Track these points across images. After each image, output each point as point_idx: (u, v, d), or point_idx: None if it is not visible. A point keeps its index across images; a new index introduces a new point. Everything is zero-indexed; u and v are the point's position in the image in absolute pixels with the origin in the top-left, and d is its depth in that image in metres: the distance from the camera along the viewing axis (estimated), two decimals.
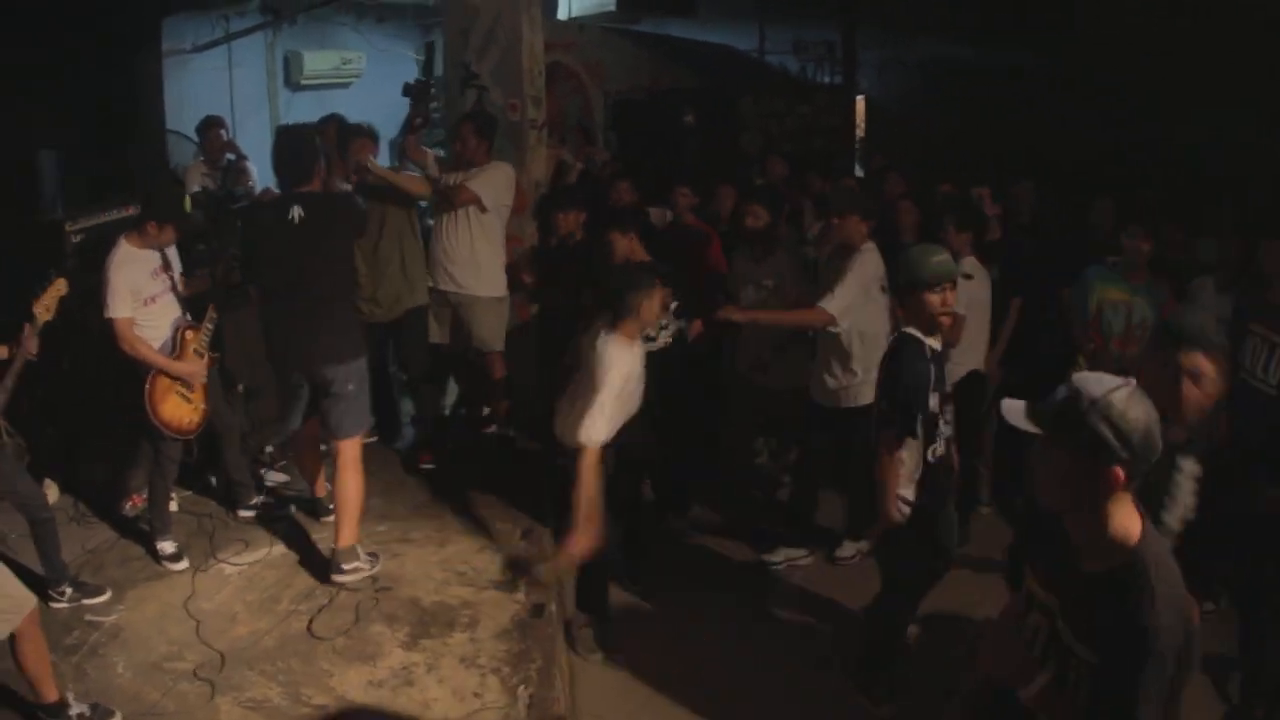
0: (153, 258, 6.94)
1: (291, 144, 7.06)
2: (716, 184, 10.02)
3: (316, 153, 6.99)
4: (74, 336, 7.45)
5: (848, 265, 7.08)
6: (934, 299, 5.54)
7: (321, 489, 7.87)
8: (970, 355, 7.82)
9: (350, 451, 6.98)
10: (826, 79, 18.47)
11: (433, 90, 9.50)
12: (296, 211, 6.62)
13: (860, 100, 17.80)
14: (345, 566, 6.85)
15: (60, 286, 6.31)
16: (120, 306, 6.80)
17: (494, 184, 8.54)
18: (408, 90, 8.70)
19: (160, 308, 7.03)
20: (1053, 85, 14.78)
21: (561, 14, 15.43)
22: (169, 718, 5.61)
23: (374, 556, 7.03)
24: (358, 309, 7.79)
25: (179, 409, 7.06)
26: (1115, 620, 2.97)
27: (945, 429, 5.74)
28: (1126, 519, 3.03)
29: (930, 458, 5.64)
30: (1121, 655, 2.95)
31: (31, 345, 6.12)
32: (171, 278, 7.09)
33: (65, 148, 9.36)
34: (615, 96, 14.94)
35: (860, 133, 17.96)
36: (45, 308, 6.22)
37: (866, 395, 6.61)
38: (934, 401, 5.60)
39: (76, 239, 7.76)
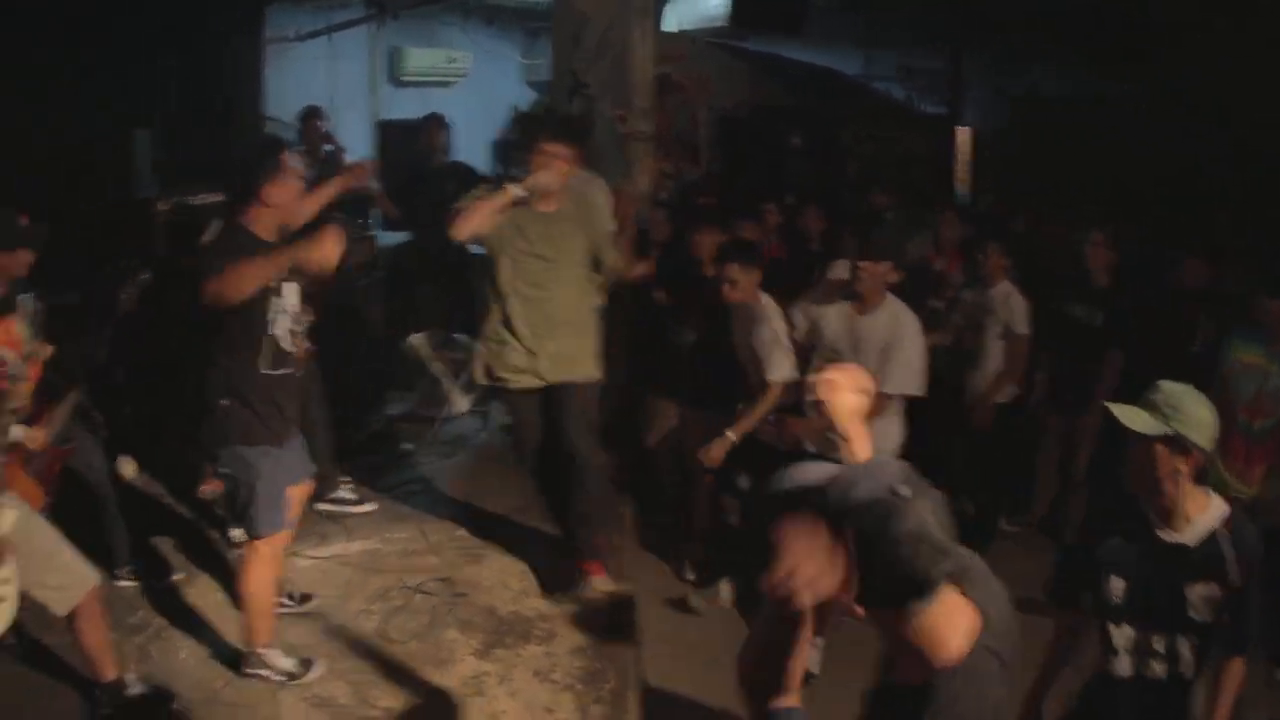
0: None
1: None
2: (805, 203, 9.82)
3: None
4: (158, 317, 7.32)
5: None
6: None
7: None
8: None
9: None
10: (930, 108, 18.20)
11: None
12: None
13: (964, 131, 17.52)
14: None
15: (145, 277, 6.22)
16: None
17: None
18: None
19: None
20: (1160, 114, 14.49)
21: (668, 26, 15.28)
22: (230, 707, 5.52)
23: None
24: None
25: None
26: None
27: None
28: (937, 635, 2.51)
29: None
30: None
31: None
32: None
33: (161, 128, 9.30)
34: (721, 113, 14.78)
35: (964, 164, 17.70)
36: (132, 297, 6.13)
37: None
38: None
39: (167, 219, 7.66)
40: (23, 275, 5.70)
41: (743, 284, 7.01)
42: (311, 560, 7.00)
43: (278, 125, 11.43)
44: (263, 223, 5.42)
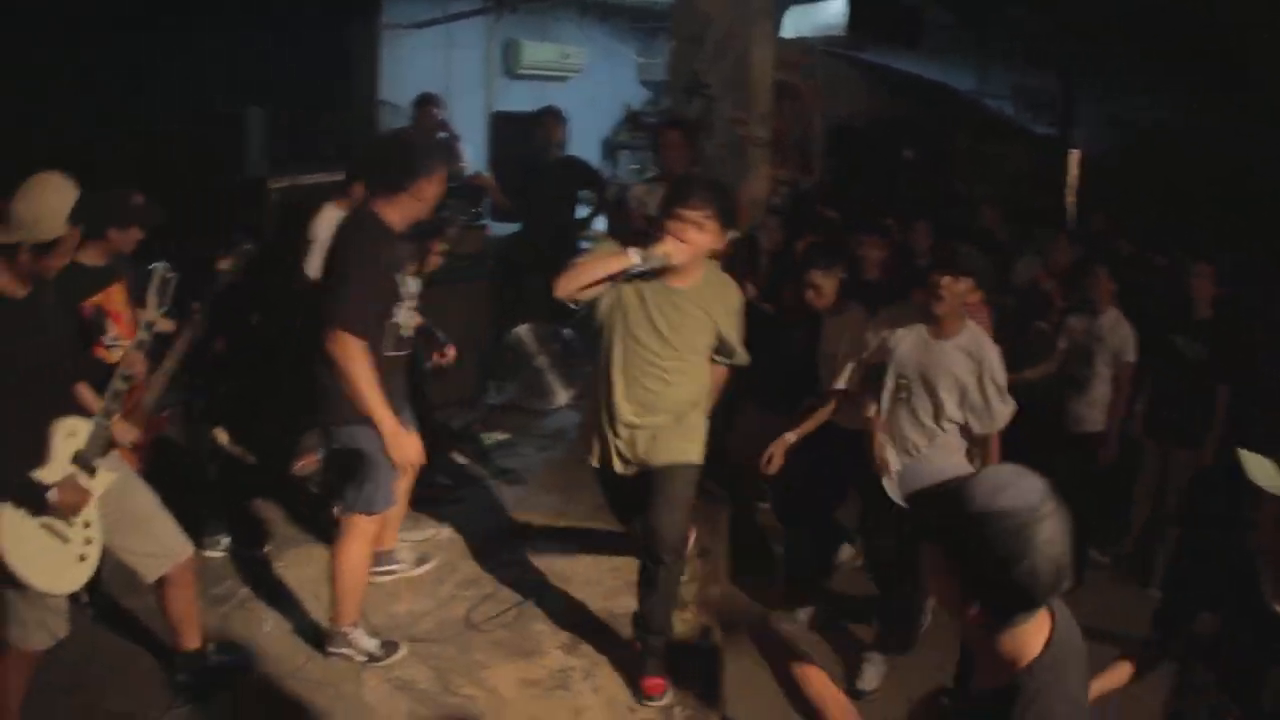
0: None
1: None
2: (914, 218, 9.67)
3: None
4: (262, 293, 7.38)
5: None
6: None
7: None
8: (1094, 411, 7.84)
9: None
10: (1042, 129, 17.98)
11: None
12: None
13: (1075, 154, 17.31)
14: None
15: (249, 248, 6.22)
16: (315, 266, 6.66)
17: None
18: None
19: None
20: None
21: (785, 33, 15.19)
22: (311, 684, 5.50)
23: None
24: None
25: None
26: None
27: None
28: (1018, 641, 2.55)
29: None
30: None
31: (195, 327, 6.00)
32: None
33: (274, 108, 9.32)
34: (835, 122, 14.67)
35: (1072, 187, 17.49)
36: (232, 266, 6.12)
37: None
38: None
39: (278, 197, 7.67)
40: (130, 252, 5.72)
41: (826, 289, 6.84)
42: (403, 543, 6.92)
43: (392, 110, 11.47)
44: (400, 213, 5.41)
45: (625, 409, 5.63)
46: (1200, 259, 8.02)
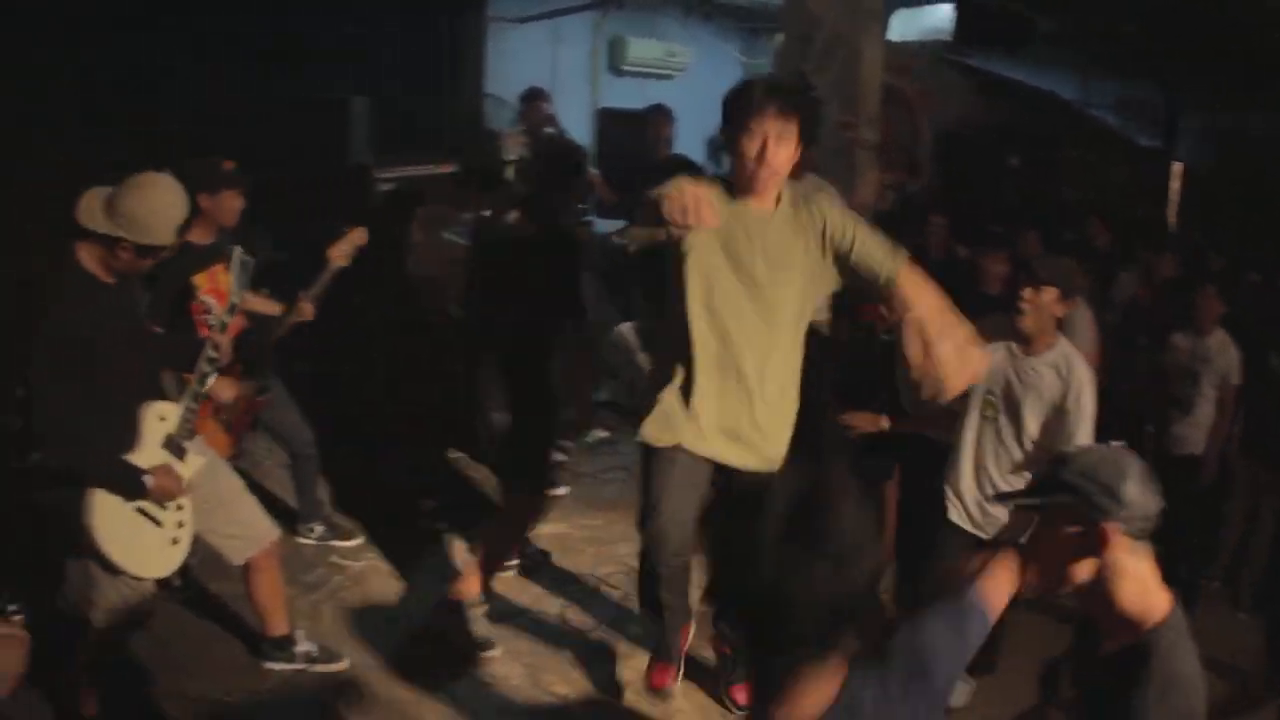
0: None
1: None
2: (1022, 228, 9.51)
3: None
4: (367, 280, 7.29)
5: None
6: None
7: None
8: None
9: None
10: (1146, 141, 17.75)
11: None
12: None
13: (1178, 167, 17.08)
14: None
15: (358, 236, 6.22)
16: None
17: None
18: None
19: None
20: None
21: (892, 36, 15.09)
22: (397, 673, 5.50)
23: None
24: None
25: None
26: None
27: None
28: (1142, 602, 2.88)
29: None
30: None
31: (307, 310, 6.01)
32: None
33: (380, 98, 9.34)
34: (942, 127, 14.53)
35: (1174, 201, 17.27)
36: (342, 254, 6.12)
37: None
38: None
39: (384, 187, 7.67)
40: (231, 223, 5.76)
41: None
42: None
43: (498, 103, 11.47)
44: None
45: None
46: None
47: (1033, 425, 5.69)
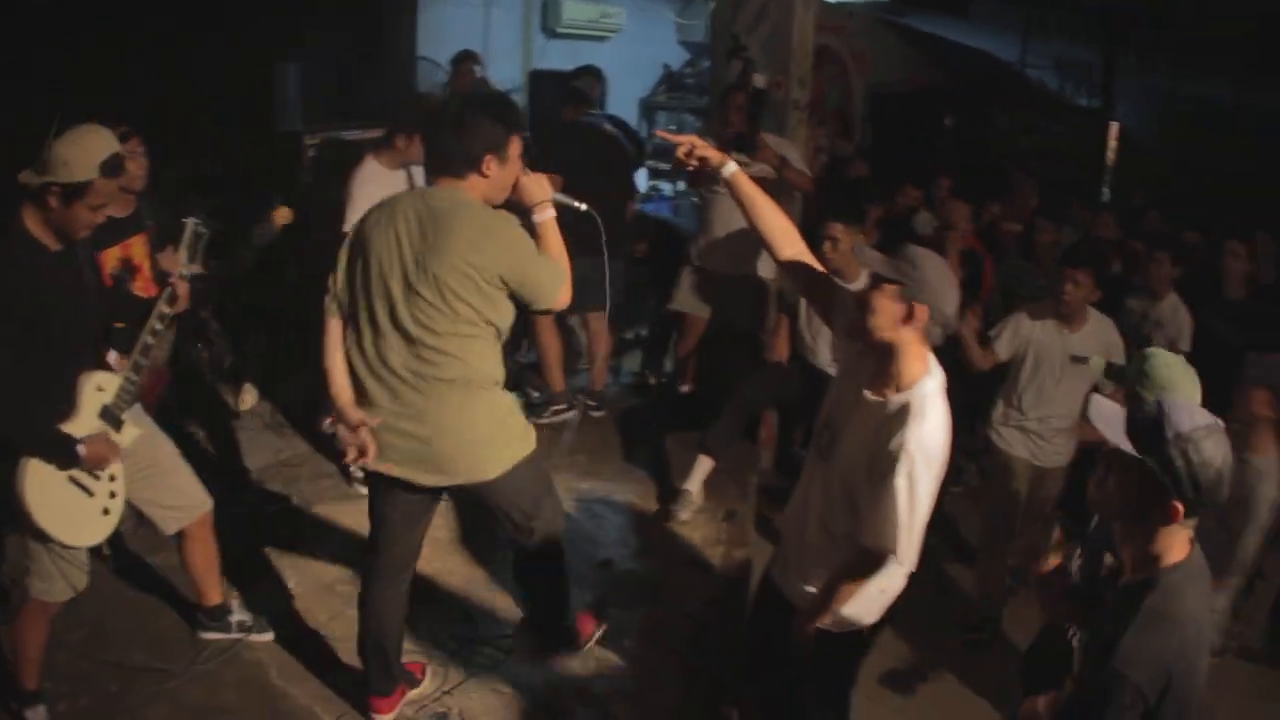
0: (398, 179, 6.71)
1: None
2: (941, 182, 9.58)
3: None
4: (300, 248, 7.35)
5: None
6: None
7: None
8: None
9: None
10: (1084, 101, 17.87)
11: None
12: None
13: (1114, 127, 17.19)
14: None
15: (283, 215, 6.22)
16: (354, 220, 6.64)
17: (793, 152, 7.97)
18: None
19: None
20: None
21: None
22: (332, 641, 5.50)
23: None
24: None
25: None
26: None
27: None
28: (1169, 545, 3.04)
29: None
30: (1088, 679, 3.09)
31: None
32: None
33: (310, 64, 9.29)
34: (876, 88, 14.58)
35: (1110, 161, 17.38)
36: (265, 235, 6.13)
37: None
38: None
39: (313, 153, 7.63)
40: (140, 186, 5.69)
41: (844, 244, 6.47)
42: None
43: (430, 67, 11.41)
44: None
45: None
46: (1234, 237, 7.91)
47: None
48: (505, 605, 5.92)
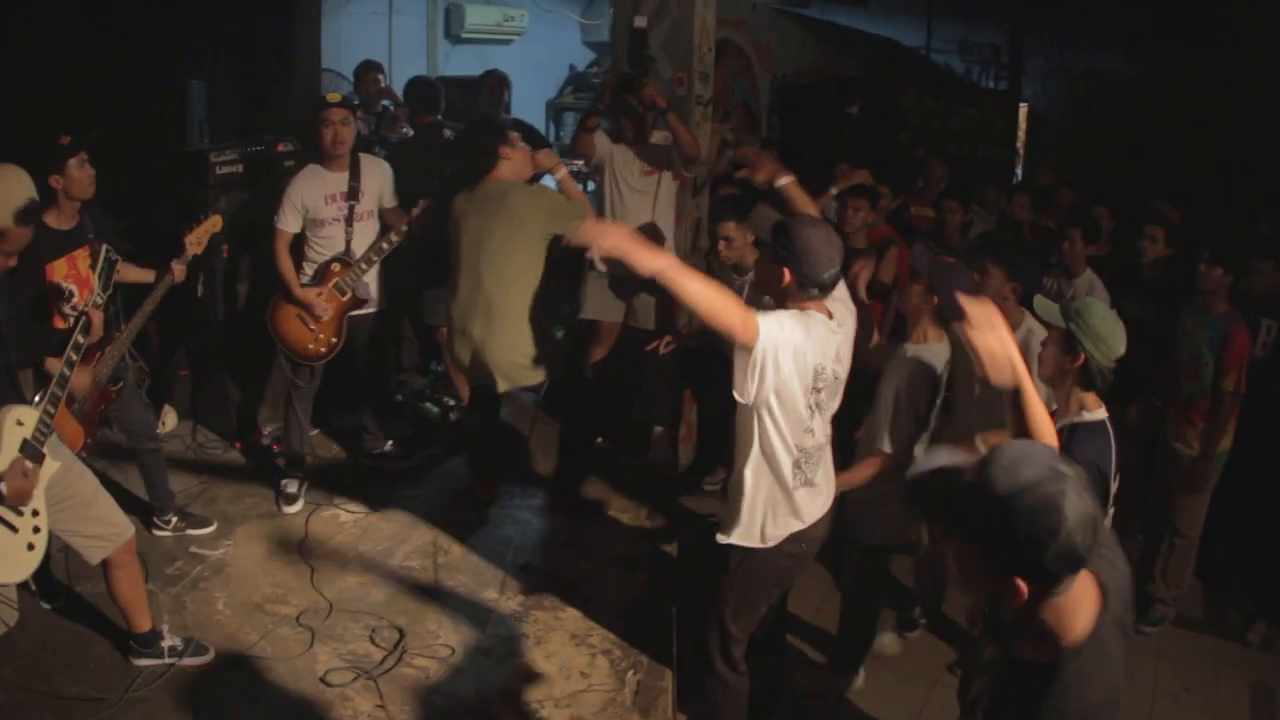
0: (337, 181, 6.89)
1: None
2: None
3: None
4: (212, 266, 7.47)
5: None
6: None
7: None
8: None
9: None
10: (991, 83, 18.04)
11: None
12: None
13: (1023, 108, 17.36)
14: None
15: (215, 223, 6.28)
16: (283, 218, 6.86)
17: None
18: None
19: (327, 233, 6.96)
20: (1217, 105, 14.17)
21: None
22: (264, 661, 5.51)
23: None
24: None
25: (300, 332, 6.96)
26: None
27: None
28: (1059, 617, 2.50)
29: None
30: None
31: (179, 272, 6.03)
32: (351, 208, 6.95)
33: (215, 80, 9.27)
34: (781, 80, 14.67)
35: (1021, 142, 17.53)
36: (196, 241, 6.17)
37: None
38: None
39: (221, 170, 7.64)
40: (88, 194, 5.64)
41: (738, 243, 6.52)
42: (353, 515, 7.03)
43: (335, 79, 11.41)
44: None
45: None
46: (1151, 220, 8.00)
47: None
48: (438, 617, 5.96)
